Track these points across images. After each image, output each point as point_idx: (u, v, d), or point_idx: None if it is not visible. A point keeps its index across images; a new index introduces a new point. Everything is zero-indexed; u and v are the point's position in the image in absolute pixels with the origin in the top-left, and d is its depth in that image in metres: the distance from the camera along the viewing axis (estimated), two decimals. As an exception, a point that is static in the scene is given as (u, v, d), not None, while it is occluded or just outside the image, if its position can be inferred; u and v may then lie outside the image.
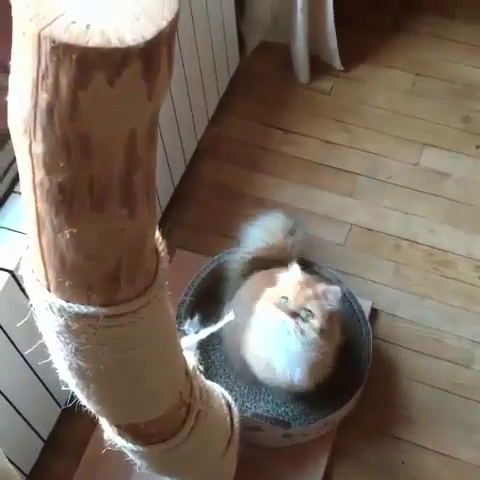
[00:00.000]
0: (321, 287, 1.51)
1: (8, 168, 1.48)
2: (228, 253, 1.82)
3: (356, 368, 1.72)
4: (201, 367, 1.11)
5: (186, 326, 1.37)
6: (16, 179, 1.46)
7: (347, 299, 1.80)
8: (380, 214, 2.14)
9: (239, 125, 2.34)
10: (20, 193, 1.38)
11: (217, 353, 1.77)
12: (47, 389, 1.62)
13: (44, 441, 1.69)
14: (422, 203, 2.15)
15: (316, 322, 1.47)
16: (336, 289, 1.51)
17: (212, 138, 2.29)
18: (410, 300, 1.99)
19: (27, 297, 0.77)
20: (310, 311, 1.47)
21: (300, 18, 2.28)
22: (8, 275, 1.37)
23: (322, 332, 1.48)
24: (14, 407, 1.52)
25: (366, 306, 1.88)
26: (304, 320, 1.46)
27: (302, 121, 2.33)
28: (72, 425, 1.74)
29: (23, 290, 1.33)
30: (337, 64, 2.41)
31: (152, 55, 0.55)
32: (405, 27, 2.54)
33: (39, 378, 1.57)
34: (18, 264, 1.35)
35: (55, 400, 1.67)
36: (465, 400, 1.83)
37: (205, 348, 1.73)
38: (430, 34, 2.50)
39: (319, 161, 2.24)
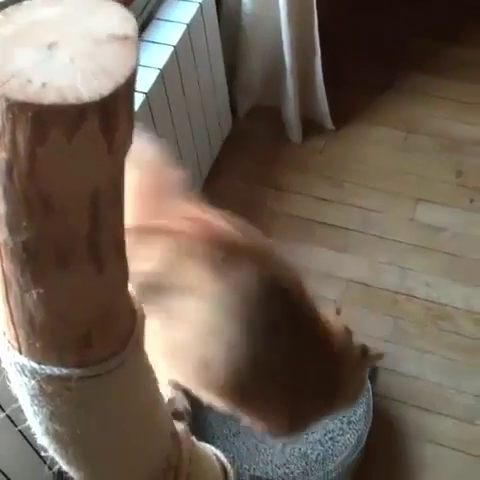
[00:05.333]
0: None
1: None
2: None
3: (355, 427, 1.68)
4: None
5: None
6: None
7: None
8: (376, 269, 2.13)
9: (233, 185, 2.35)
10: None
11: (214, 414, 1.73)
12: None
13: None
14: (418, 257, 2.14)
15: None
16: None
17: (207, 197, 2.29)
18: (410, 355, 1.96)
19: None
20: None
21: (290, 82, 2.32)
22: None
23: None
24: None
25: (365, 363, 1.85)
26: None
27: (295, 179, 2.35)
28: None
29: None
30: (328, 124, 2.44)
31: (109, 111, 0.56)
32: (394, 86, 2.57)
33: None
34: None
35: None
36: (469, 457, 1.79)
37: (203, 409, 1.70)
38: (419, 92, 2.54)
39: (313, 218, 2.24)
